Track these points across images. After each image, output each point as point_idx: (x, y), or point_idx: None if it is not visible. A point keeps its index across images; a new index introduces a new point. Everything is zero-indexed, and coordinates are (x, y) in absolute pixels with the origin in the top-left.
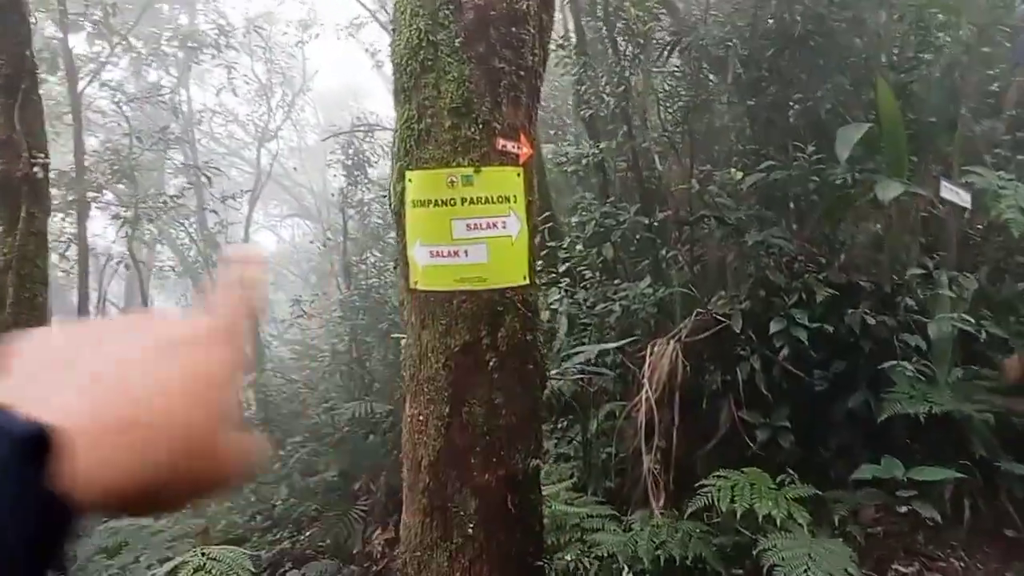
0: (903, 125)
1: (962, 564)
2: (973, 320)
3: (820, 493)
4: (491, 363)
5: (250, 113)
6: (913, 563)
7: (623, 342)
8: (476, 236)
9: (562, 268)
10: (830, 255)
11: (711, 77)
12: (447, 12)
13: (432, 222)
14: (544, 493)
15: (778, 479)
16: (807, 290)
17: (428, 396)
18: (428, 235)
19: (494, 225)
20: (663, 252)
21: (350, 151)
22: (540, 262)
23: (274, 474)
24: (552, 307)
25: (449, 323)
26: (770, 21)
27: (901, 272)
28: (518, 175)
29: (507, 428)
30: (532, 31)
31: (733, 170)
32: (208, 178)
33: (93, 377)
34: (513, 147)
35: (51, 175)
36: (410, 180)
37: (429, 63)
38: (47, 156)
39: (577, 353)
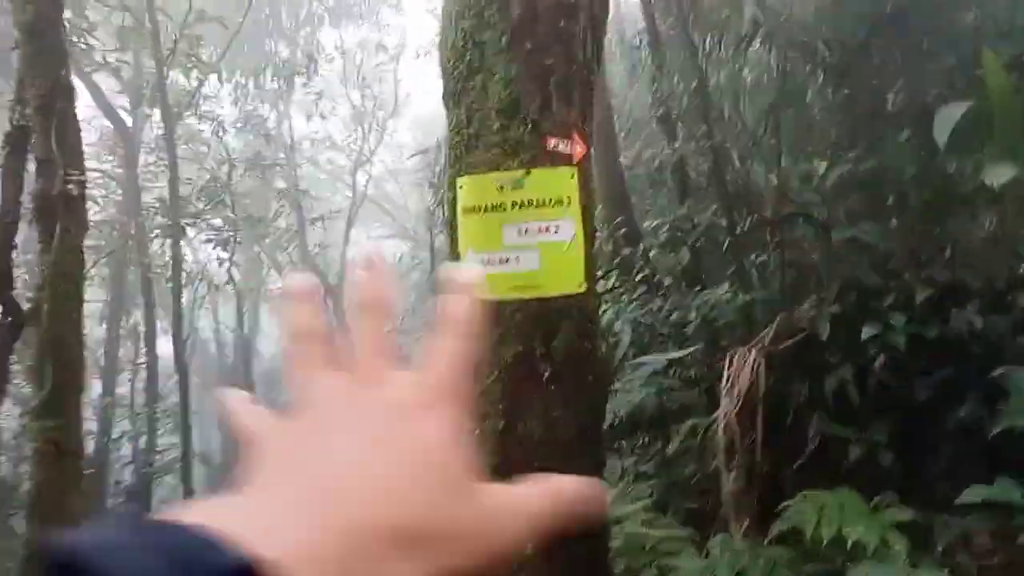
0: (1016, 101)
1: None
2: None
3: (922, 517)
4: (546, 375)
5: (345, 138)
6: None
7: (689, 351)
8: (528, 242)
9: (638, 276)
10: (932, 251)
11: (798, 67)
12: (492, 11)
13: (483, 229)
14: (618, 513)
15: (874, 501)
16: (905, 291)
17: (483, 410)
18: (479, 243)
19: (547, 230)
20: (749, 256)
21: (437, 168)
22: (615, 270)
23: None
24: (625, 316)
25: (502, 334)
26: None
27: (1016, 268)
28: (572, 176)
29: (565, 442)
30: (583, 24)
31: (817, 160)
32: (300, 203)
33: (317, 487)
34: (565, 147)
35: (154, 203)
36: (461, 187)
37: (475, 65)
38: (83, 174)
39: (642, 364)
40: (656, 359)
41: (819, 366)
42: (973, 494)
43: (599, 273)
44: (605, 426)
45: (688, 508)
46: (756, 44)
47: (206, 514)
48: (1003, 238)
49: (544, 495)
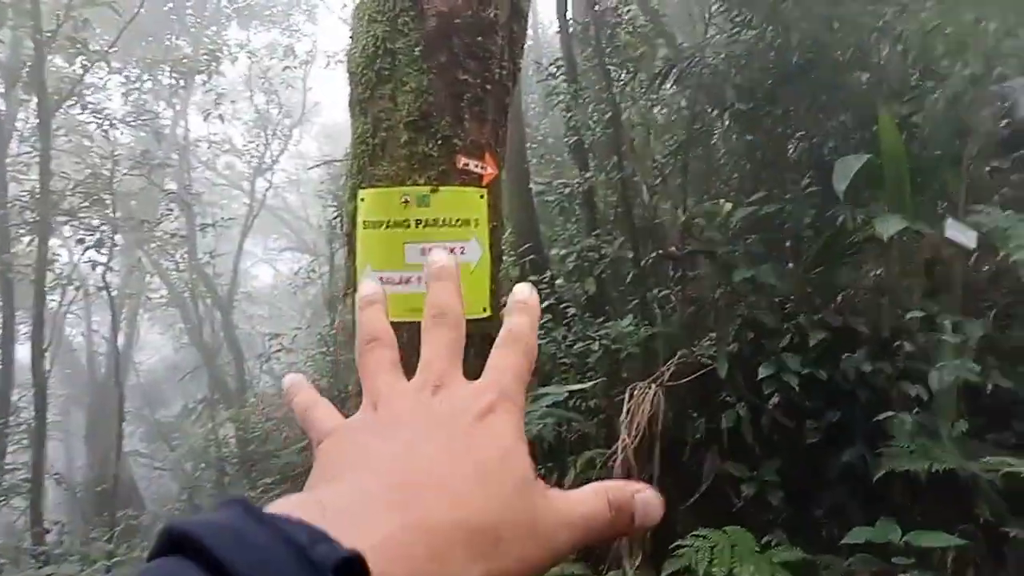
0: (906, 159)
1: None
2: (978, 369)
3: (809, 557)
4: None
5: (247, 143)
6: None
7: (590, 384)
8: None
9: (543, 304)
10: (826, 296)
11: (707, 109)
12: (407, 19)
13: (383, 245)
14: None
15: (764, 539)
16: (800, 333)
17: None
18: (379, 260)
19: (452, 251)
20: (652, 290)
21: (341, 181)
22: None
23: None
24: None
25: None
26: (771, 54)
27: (901, 316)
28: (481, 197)
29: None
30: (501, 42)
31: (723, 201)
32: (191, 207)
33: (395, 484)
34: (476, 166)
35: (23, 196)
36: (362, 199)
37: (386, 73)
38: None
39: (544, 395)
40: (557, 390)
41: (716, 403)
42: (856, 535)
43: (504, 299)
44: None
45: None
46: (669, 84)
47: (290, 506)
48: (889, 287)
49: (602, 502)
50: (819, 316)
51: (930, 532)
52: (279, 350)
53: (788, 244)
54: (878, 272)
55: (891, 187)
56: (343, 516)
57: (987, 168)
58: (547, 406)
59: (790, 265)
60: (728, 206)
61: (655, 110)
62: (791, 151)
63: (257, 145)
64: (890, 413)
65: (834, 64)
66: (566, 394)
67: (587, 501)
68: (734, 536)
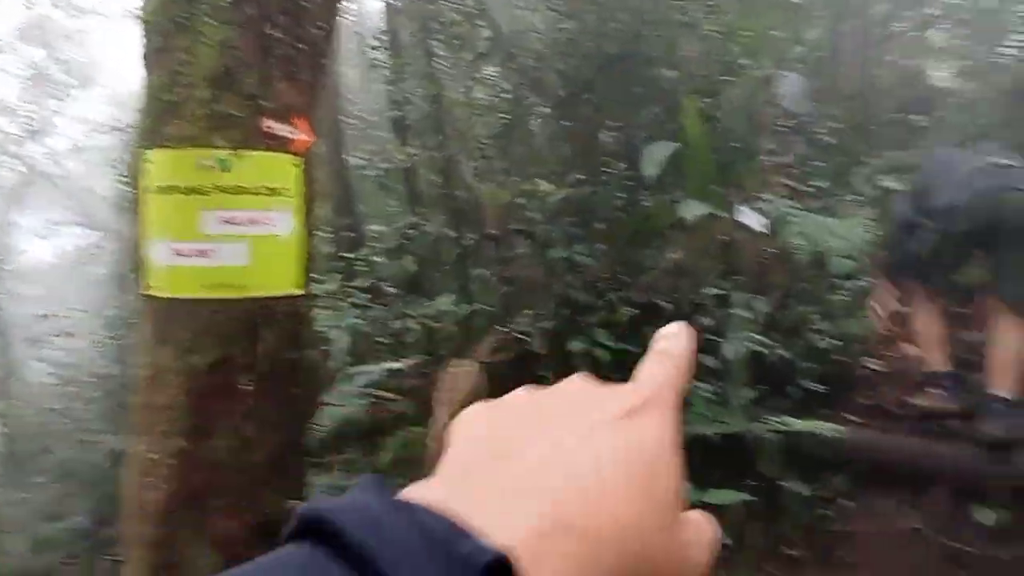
0: (708, 149)
1: None
2: (764, 342)
3: None
4: (245, 387)
5: (21, 102)
6: None
7: (409, 362)
8: (233, 233)
9: (360, 281)
10: (635, 275)
11: (530, 93)
12: None
13: (176, 213)
14: None
15: None
16: (611, 310)
17: (162, 428)
18: (171, 229)
19: (257, 221)
20: (473, 269)
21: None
22: (336, 273)
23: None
24: (344, 323)
25: (194, 338)
26: (589, 44)
27: (700, 294)
28: (292, 164)
29: (261, 465)
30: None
31: (541, 182)
32: None
33: (536, 476)
34: (286, 131)
35: None
36: (151, 162)
37: (184, 21)
38: None
39: (360, 374)
40: (374, 369)
41: (533, 379)
42: None
43: (318, 276)
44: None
45: None
46: (492, 65)
47: (426, 493)
48: (690, 267)
49: (714, 526)
50: (627, 294)
51: (719, 490)
52: (58, 334)
53: (603, 226)
54: (681, 253)
55: (695, 175)
56: (482, 508)
57: (773, 160)
58: (361, 386)
59: (604, 246)
60: (546, 187)
61: (478, 91)
62: (606, 138)
63: (33, 105)
64: (694, 383)
65: (647, 57)
66: (384, 373)
67: (707, 525)
68: None
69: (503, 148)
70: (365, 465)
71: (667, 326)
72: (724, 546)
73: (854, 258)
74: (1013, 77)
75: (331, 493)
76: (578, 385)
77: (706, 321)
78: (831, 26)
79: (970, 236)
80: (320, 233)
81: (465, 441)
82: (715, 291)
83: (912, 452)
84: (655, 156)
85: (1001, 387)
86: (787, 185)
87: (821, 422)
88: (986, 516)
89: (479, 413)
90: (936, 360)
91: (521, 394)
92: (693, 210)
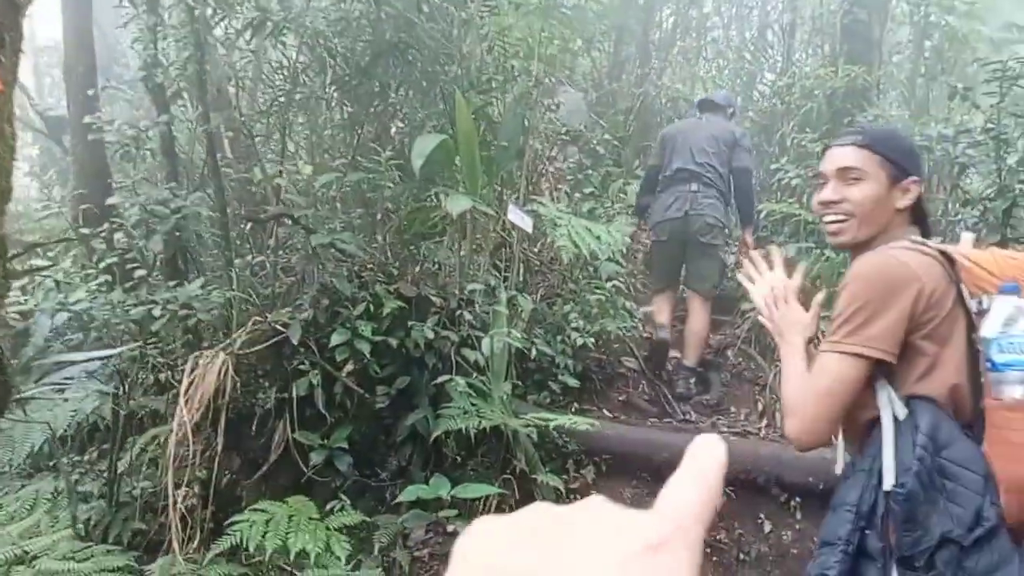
0: (478, 146)
1: None
2: (527, 338)
3: (369, 519)
4: None
5: None
6: None
7: (119, 350)
8: None
9: (101, 261)
10: (404, 266)
11: (308, 72)
12: None
13: None
14: (31, 548)
15: (329, 506)
16: (376, 302)
17: None
18: None
19: None
20: (233, 252)
21: None
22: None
23: None
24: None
25: None
26: (368, 28)
27: (464, 288)
28: None
29: None
30: None
31: (303, 163)
32: None
33: None
34: None
35: None
36: None
37: None
38: None
39: (66, 364)
40: (94, 356)
41: (289, 371)
42: (409, 493)
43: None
44: (43, 441)
45: (136, 530)
46: (264, 37)
47: None
48: (460, 262)
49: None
50: (395, 286)
51: (474, 484)
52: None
53: (375, 215)
54: (453, 247)
55: (464, 170)
56: None
57: (547, 165)
58: (106, 379)
59: (377, 235)
60: (308, 169)
61: (249, 64)
62: (380, 125)
63: None
64: (448, 377)
65: (426, 48)
66: (121, 364)
67: None
68: (295, 506)
69: (276, 126)
70: (106, 467)
71: (704, 437)
72: None
73: (617, 261)
74: (756, 110)
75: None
76: (596, 510)
77: (470, 317)
78: (613, 48)
79: (672, 246)
80: (59, 208)
81: (480, 569)
82: (481, 286)
83: (653, 443)
84: (422, 148)
85: (688, 357)
86: (559, 189)
87: (576, 416)
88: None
89: (492, 533)
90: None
91: (536, 514)
92: (458, 204)
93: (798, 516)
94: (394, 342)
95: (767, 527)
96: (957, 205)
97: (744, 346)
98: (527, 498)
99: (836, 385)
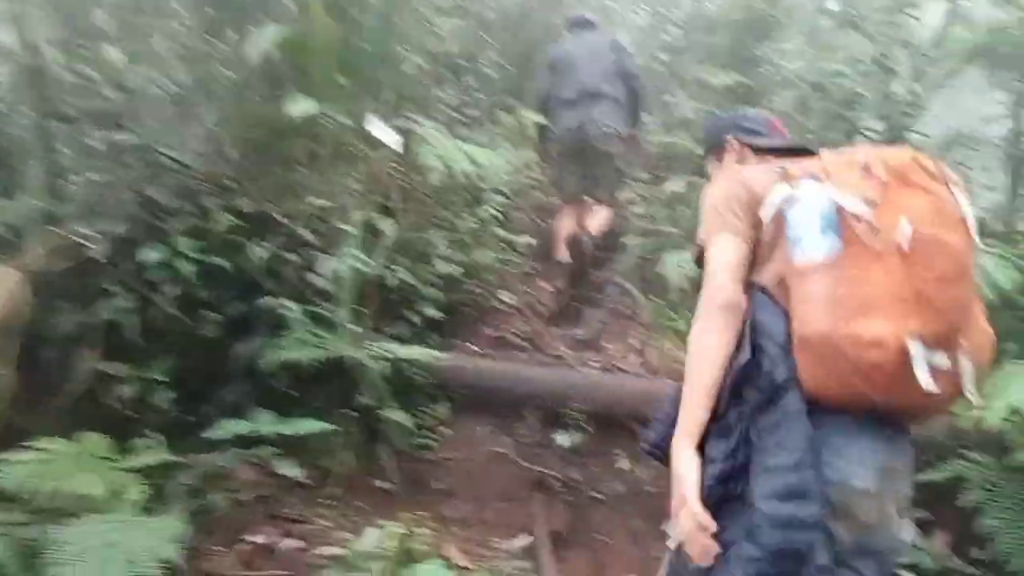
0: (336, 48)
1: (328, 524)
2: (388, 266)
3: (181, 459)
4: None
5: None
6: (271, 529)
7: None
8: None
9: None
10: (242, 178)
11: None
12: None
13: None
14: None
15: (135, 444)
16: (206, 217)
17: None
18: None
19: None
20: (31, 156)
21: None
22: None
23: None
24: None
25: None
26: None
27: (320, 207)
28: None
29: None
30: None
31: (109, 47)
32: None
33: None
34: None
35: None
36: None
37: None
38: None
39: None
40: None
41: (98, 293)
42: (224, 430)
43: None
44: None
45: None
46: None
47: None
48: (311, 179)
49: None
50: (231, 201)
51: (300, 420)
52: None
53: (209, 120)
54: (303, 160)
55: (318, 72)
56: None
57: (425, 80)
58: None
59: (214, 144)
60: (117, 56)
61: None
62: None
63: None
64: (287, 303)
65: None
66: None
67: None
68: (85, 444)
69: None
70: None
71: None
72: (313, 481)
73: (503, 192)
74: (662, 47)
75: None
76: None
77: (313, 238)
78: None
79: (572, 158)
80: None
81: None
82: (330, 204)
83: (513, 377)
84: (260, 40)
85: (558, 254)
86: (439, 108)
87: (429, 350)
88: (565, 439)
89: None
90: (562, 253)
91: None
92: (300, 106)
93: None
94: (225, 264)
95: (624, 465)
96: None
97: (623, 280)
98: (373, 436)
99: (715, 263)
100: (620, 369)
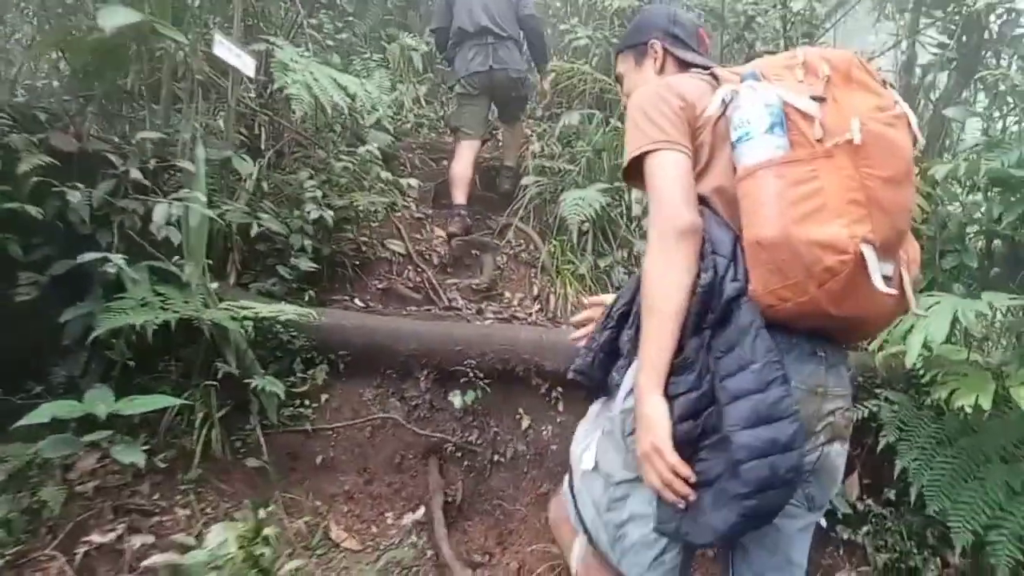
0: None
1: (187, 512)
2: (251, 212)
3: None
4: None
5: None
6: (117, 525)
7: None
8: None
9: None
10: (62, 111)
11: None
12: None
13: None
14: None
15: None
16: (9, 158)
17: None
18: None
19: None
20: None
21: None
22: None
23: None
24: None
25: None
26: None
27: (162, 145)
28: None
29: None
30: None
31: None
32: None
33: None
34: None
35: None
36: None
37: None
38: None
39: None
40: None
41: None
42: (38, 414)
43: None
44: None
45: None
46: None
47: None
48: (147, 107)
49: None
50: (43, 136)
51: (146, 396)
52: None
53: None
54: (131, 79)
55: None
56: None
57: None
58: None
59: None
60: None
61: None
62: None
63: None
64: (114, 258)
65: None
66: None
67: None
68: None
69: None
70: None
71: None
72: (166, 465)
73: (385, 128)
74: None
75: None
76: None
77: (141, 178)
78: None
79: (480, 98)
80: None
81: None
82: (164, 134)
83: (401, 334)
84: None
85: (507, 159)
86: (309, 34)
87: (300, 307)
88: (458, 400)
89: None
90: (459, 196)
91: None
92: (117, 18)
93: (560, 408)
94: (38, 213)
95: (525, 423)
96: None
97: (523, 224)
98: (240, 409)
99: (662, 184)
100: (517, 318)
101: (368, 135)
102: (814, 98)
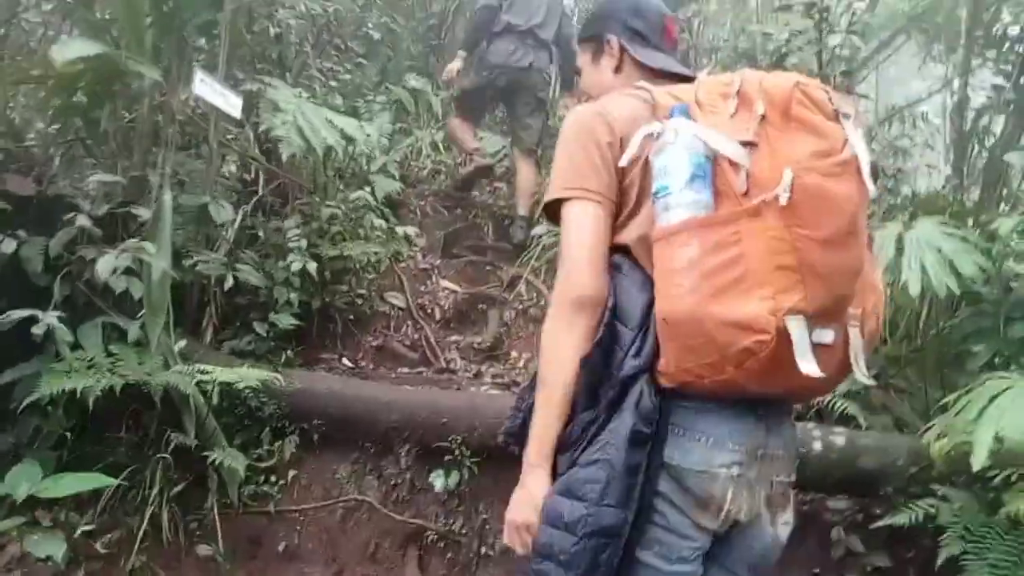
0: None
1: None
2: (228, 263)
3: None
4: None
5: None
6: None
7: None
8: None
9: None
10: (16, 150)
11: None
12: None
13: None
14: None
15: None
16: None
17: None
18: None
19: None
20: None
21: None
22: None
23: None
24: None
25: None
26: None
27: (133, 189)
28: None
29: None
30: None
31: None
32: None
33: None
34: None
35: None
36: None
37: None
38: None
39: None
40: None
41: None
42: None
43: None
44: None
45: None
46: None
47: None
48: (120, 149)
49: None
50: None
51: (72, 475)
52: None
53: None
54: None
55: (126, 21)
56: None
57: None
58: None
59: None
60: None
61: None
62: None
63: None
64: (49, 316)
65: None
66: None
67: None
68: None
69: None
70: None
71: None
72: (102, 554)
73: (392, 175)
74: None
75: None
76: None
77: (89, 225)
78: None
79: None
80: None
81: None
82: (116, 179)
83: (381, 403)
84: None
85: (521, 207)
86: (314, 76)
87: (274, 369)
88: (441, 482)
89: None
90: (469, 142)
91: None
92: (71, 50)
93: None
94: None
95: None
96: None
97: (533, 277)
98: (200, 483)
99: (571, 243)
100: (518, 384)
101: (376, 181)
102: (744, 143)
